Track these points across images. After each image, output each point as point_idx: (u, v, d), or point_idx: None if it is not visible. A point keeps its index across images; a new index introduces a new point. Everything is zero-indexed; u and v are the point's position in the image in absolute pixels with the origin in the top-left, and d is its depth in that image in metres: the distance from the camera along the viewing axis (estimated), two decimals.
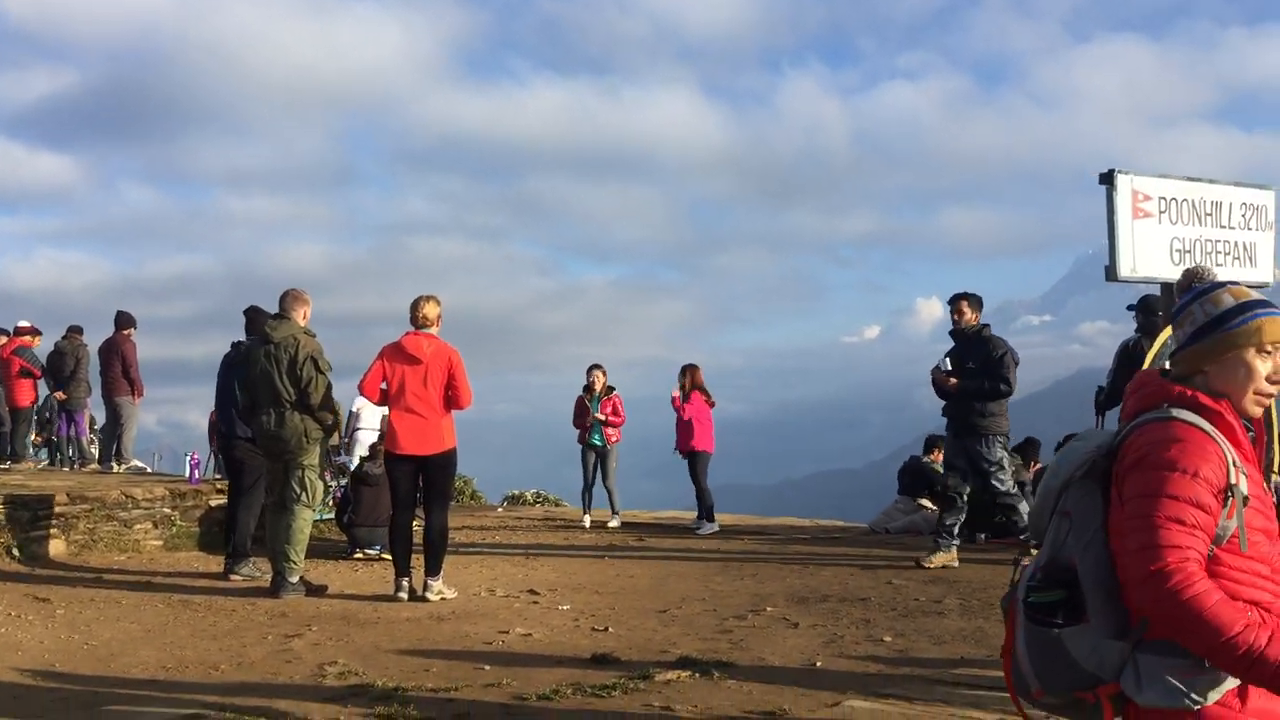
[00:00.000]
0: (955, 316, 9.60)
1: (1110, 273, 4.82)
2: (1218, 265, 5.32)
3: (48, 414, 16.80)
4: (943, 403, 9.69)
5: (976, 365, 9.30)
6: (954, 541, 9.48)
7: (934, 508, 11.82)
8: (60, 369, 15.78)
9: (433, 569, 8.29)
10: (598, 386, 13.22)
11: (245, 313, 9.82)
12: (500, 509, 16.59)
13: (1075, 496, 2.54)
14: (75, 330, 16.02)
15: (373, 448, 11.26)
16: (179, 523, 10.96)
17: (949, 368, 9.39)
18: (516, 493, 19.12)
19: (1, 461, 15.38)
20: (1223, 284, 2.66)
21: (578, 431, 13.25)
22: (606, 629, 7.11)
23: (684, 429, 12.81)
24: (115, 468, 14.50)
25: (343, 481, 11.84)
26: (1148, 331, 9.85)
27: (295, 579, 8.43)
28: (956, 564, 9.28)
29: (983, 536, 11.33)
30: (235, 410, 9.31)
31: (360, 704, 5.33)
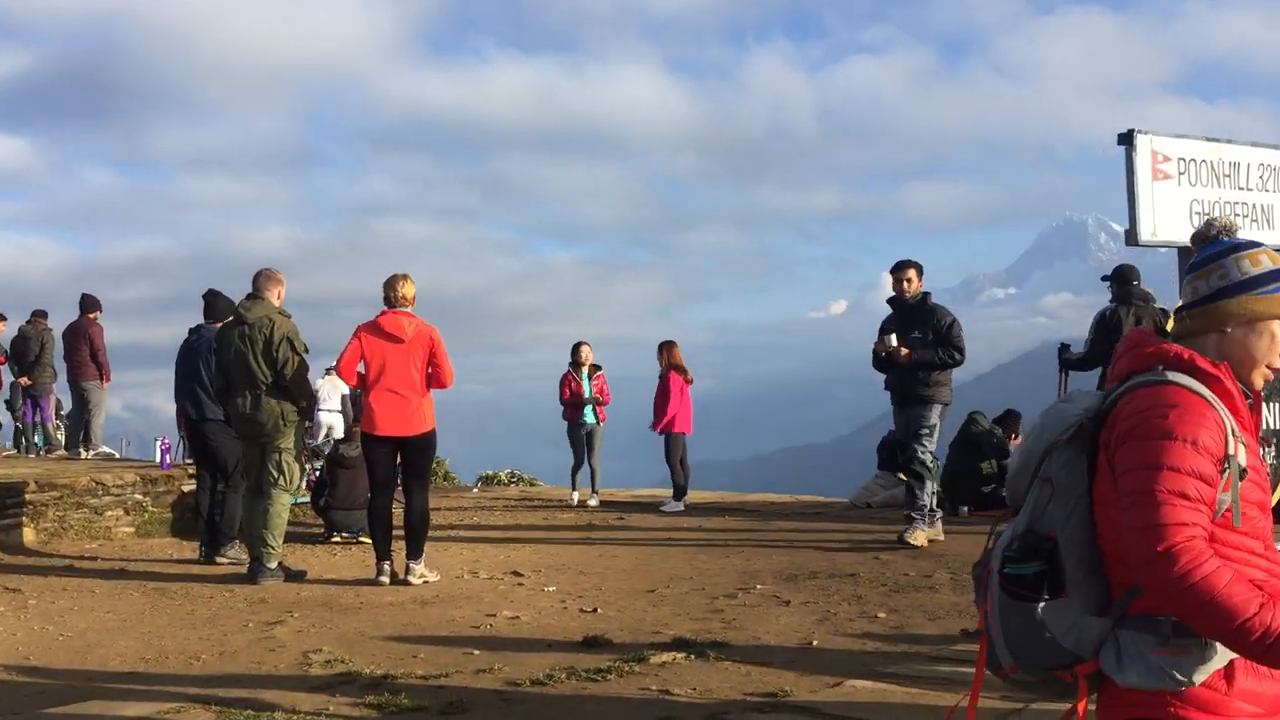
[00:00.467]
0: (904, 285, 9.26)
1: (1130, 237, 4.72)
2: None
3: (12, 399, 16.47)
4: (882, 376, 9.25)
5: (924, 335, 9.01)
6: (936, 514, 9.33)
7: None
8: (25, 354, 15.45)
9: (414, 552, 8.15)
10: (586, 363, 13.09)
11: (204, 296, 9.60)
12: (475, 489, 16.44)
13: (1059, 462, 2.37)
14: (39, 314, 15.68)
15: (349, 429, 11.07)
16: (151, 509, 10.76)
17: (894, 341, 9.01)
18: (490, 473, 18.97)
19: None
20: (1259, 243, 2.48)
21: (563, 409, 13.10)
22: (595, 610, 7.00)
23: (663, 405, 12.70)
24: (83, 454, 14.23)
25: (316, 464, 11.66)
26: (1123, 300, 9.89)
27: (274, 564, 8.26)
28: (943, 537, 9.18)
29: (965, 509, 11.32)
30: (203, 393, 9.13)
31: (349, 693, 5.19)
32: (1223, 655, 2.25)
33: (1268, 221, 5.41)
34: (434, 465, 16.72)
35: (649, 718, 4.72)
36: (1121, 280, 9.99)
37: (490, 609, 7.11)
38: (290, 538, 9.35)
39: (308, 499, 11.36)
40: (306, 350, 8.46)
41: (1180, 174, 4.98)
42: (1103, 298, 10.24)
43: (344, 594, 7.77)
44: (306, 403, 8.66)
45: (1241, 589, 2.15)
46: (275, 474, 8.32)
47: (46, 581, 8.20)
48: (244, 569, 8.43)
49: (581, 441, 13.06)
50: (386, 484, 8.34)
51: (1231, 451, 2.23)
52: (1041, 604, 2.29)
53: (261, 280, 8.48)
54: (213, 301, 9.46)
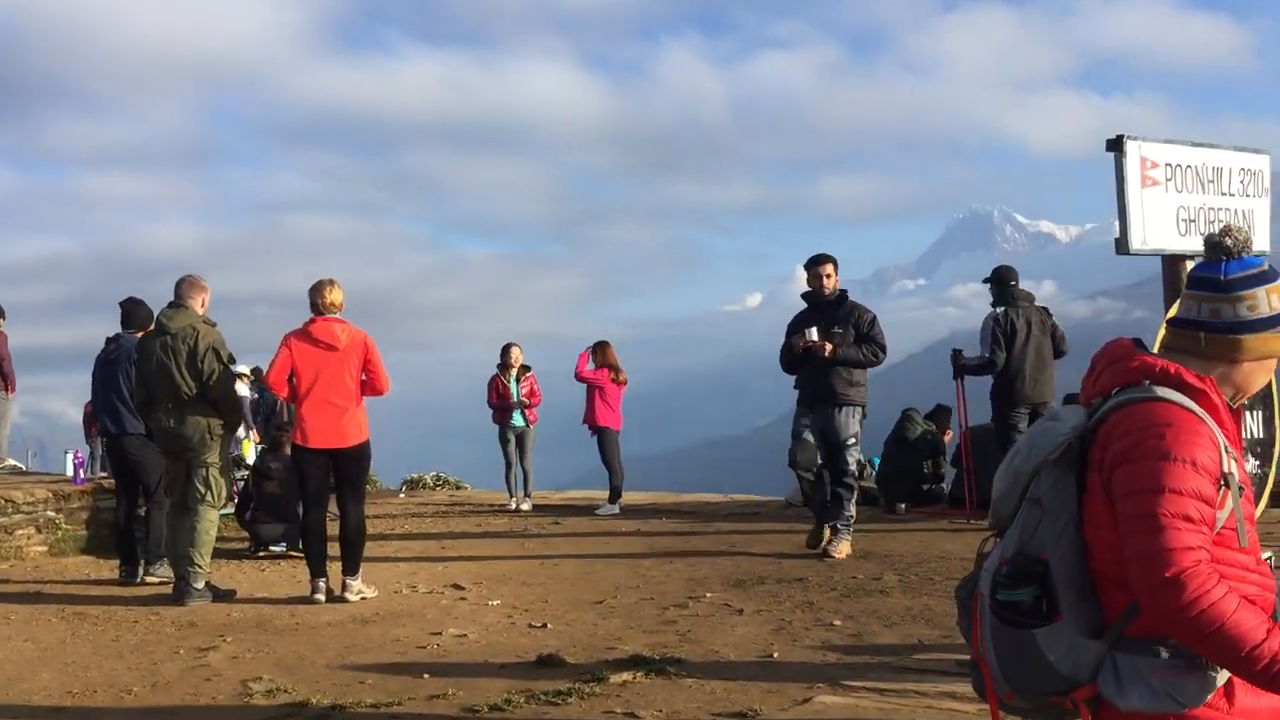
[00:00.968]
0: (823, 280, 8.82)
1: (1121, 245, 4.67)
2: None
3: None
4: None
5: (844, 332, 8.59)
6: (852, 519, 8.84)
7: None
8: None
9: (351, 568, 7.86)
10: (515, 365, 12.86)
11: (123, 304, 9.15)
12: (401, 494, 16.08)
13: (1047, 483, 2.32)
14: None
15: (275, 440, 10.70)
16: (64, 526, 10.25)
17: (815, 336, 8.52)
18: (416, 476, 18.60)
19: None
20: None
21: (492, 412, 12.86)
22: (545, 625, 6.79)
23: (593, 403, 12.56)
24: None
25: (239, 475, 11.26)
26: (1006, 302, 9.91)
27: (201, 584, 7.91)
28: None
29: (903, 506, 11.35)
30: (123, 407, 8.72)
31: None
32: (1223, 674, 2.21)
33: (1249, 227, 5.43)
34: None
35: None
36: (1001, 282, 10.06)
37: (434, 626, 6.87)
38: (214, 553, 8.98)
39: (231, 511, 10.96)
40: (233, 360, 8.12)
41: (1167, 180, 4.96)
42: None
43: (278, 614, 7.45)
44: (234, 415, 8.31)
45: (1249, 616, 2.11)
46: (202, 490, 7.96)
47: None
48: (169, 589, 8.06)
49: (511, 445, 12.86)
50: (320, 498, 8.04)
51: (1227, 469, 2.20)
52: (1036, 629, 2.23)
53: (184, 287, 8.10)
54: (132, 310, 9.02)
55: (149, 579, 8.64)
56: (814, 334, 8.54)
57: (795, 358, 8.72)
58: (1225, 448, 2.21)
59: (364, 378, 7.92)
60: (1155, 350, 2.44)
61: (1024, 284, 10.09)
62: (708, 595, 7.47)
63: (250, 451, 12.16)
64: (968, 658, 2.53)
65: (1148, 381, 2.28)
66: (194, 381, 7.85)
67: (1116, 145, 4.80)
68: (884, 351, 8.74)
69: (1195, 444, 2.17)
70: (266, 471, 10.18)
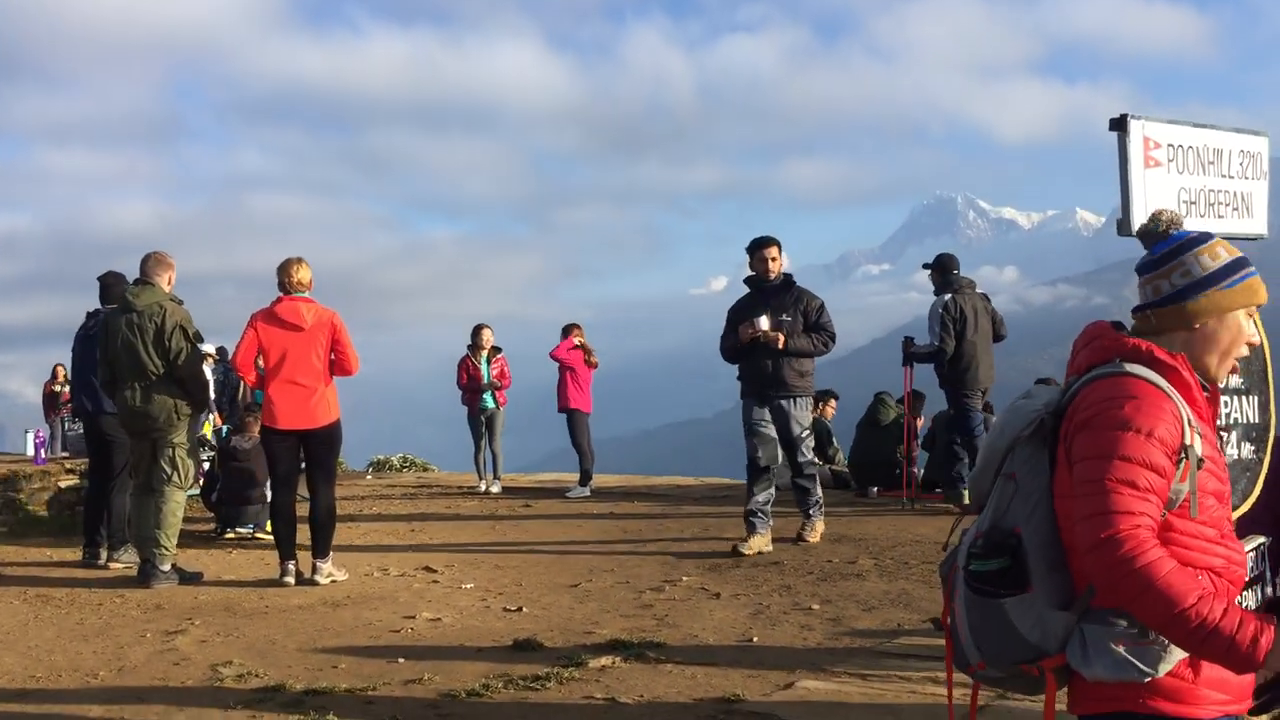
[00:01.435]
0: (768, 264, 8.40)
1: (1123, 227, 4.63)
2: (1219, 217, 5.23)
3: None
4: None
5: (793, 319, 8.25)
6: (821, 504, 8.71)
7: (820, 462, 11.72)
8: None
9: (321, 550, 7.75)
10: (486, 346, 12.72)
11: (101, 279, 8.93)
12: (368, 476, 15.94)
13: (1021, 458, 2.39)
14: None
15: (242, 420, 10.53)
16: (26, 507, 10.08)
17: (765, 325, 8.12)
18: (382, 458, 18.46)
19: None
20: (1210, 235, 2.49)
21: (462, 393, 12.73)
22: (520, 609, 6.72)
23: (564, 385, 12.49)
24: None
25: (205, 456, 11.09)
26: (950, 289, 9.94)
27: (167, 566, 7.76)
28: (770, 548, 8.22)
29: (875, 490, 11.35)
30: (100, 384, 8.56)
31: (270, 710, 4.84)
32: None
33: (1248, 210, 5.43)
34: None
35: None
36: (944, 269, 10.10)
37: (408, 610, 6.78)
38: (180, 536, 8.83)
39: (197, 493, 10.80)
40: (201, 339, 7.96)
41: (1170, 160, 4.94)
42: (970, 272, 10.34)
43: (247, 597, 7.33)
44: (201, 395, 8.15)
45: (1182, 579, 2.15)
46: (169, 470, 7.81)
47: None
48: (134, 572, 7.91)
49: (481, 426, 12.75)
50: (289, 480, 7.91)
51: (1189, 442, 2.25)
52: (1007, 599, 2.29)
53: (150, 264, 7.92)
54: (112, 284, 8.75)
55: (113, 564, 8.46)
56: (764, 323, 8.13)
57: (740, 347, 8.32)
58: (1190, 421, 2.26)
59: (333, 357, 7.79)
60: None
61: (986, 270, 10.12)
62: (683, 579, 7.42)
63: (210, 432, 11.99)
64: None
65: (1119, 359, 2.34)
66: (161, 360, 7.69)
67: (1120, 124, 4.77)
68: (833, 340, 8.42)
69: (1156, 416, 2.22)
70: (232, 453, 10.03)
